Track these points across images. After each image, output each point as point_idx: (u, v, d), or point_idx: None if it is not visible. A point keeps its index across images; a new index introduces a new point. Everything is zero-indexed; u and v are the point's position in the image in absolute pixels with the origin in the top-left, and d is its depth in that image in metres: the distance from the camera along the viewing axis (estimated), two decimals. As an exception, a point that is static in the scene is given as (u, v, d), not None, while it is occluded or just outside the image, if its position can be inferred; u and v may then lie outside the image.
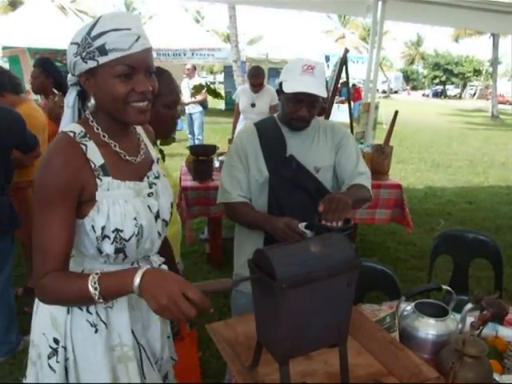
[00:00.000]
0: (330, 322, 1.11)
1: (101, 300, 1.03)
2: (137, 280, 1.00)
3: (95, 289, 1.02)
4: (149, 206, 1.22)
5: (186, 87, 8.59)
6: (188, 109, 8.71)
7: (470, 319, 1.49)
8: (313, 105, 1.77)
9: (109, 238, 1.13)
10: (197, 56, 12.33)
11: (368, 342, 1.40)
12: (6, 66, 8.82)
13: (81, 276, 1.09)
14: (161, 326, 1.33)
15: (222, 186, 1.91)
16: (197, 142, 8.26)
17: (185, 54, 12.18)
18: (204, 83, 6.94)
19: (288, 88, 1.75)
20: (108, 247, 1.14)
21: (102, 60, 1.05)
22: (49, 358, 1.21)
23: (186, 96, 8.59)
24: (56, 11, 12.04)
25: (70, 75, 1.17)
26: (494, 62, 24.18)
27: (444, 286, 1.61)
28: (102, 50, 1.04)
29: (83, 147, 1.11)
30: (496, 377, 1.33)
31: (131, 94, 1.08)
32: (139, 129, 1.34)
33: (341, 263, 1.06)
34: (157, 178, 1.29)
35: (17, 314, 2.82)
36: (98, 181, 1.12)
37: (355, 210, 3.65)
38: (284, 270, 1.00)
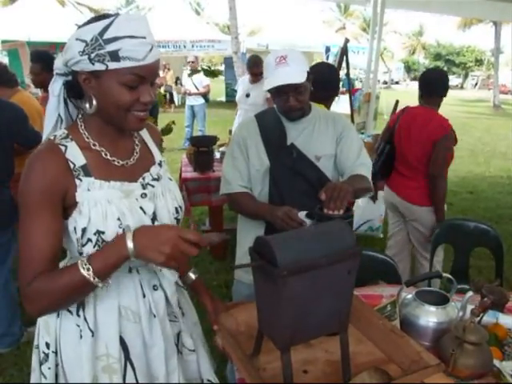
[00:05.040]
0: (330, 309, 1.11)
1: (97, 280, 1.00)
2: (130, 244, 0.99)
3: (88, 269, 0.99)
4: (141, 208, 1.15)
5: (189, 79, 8.57)
6: (190, 101, 8.67)
7: (470, 307, 1.50)
8: (298, 91, 1.76)
9: (91, 240, 1.07)
10: (197, 48, 12.27)
11: (369, 329, 1.40)
12: (6, 59, 8.85)
13: (68, 266, 1.06)
14: (165, 349, 1.22)
15: (224, 177, 1.93)
16: (199, 134, 8.24)
17: (185, 46, 12.13)
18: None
19: (268, 85, 1.77)
20: (91, 251, 1.07)
21: (112, 66, 1.01)
22: (41, 363, 1.19)
23: (189, 88, 8.57)
24: (55, 4, 11.98)
25: (57, 62, 1.10)
26: (496, 51, 23.98)
27: (445, 274, 1.61)
28: (115, 56, 1.00)
29: (62, 148, 1.08)
30: (496, 363, 1.34)
31: (135, 104, 1.06)
32: (143, 130, 1.29)
33: (341, 250, 1.06)
34: (155, 179, 1.22)
35: (20, 305, 2.83)
36: (77, 181, 1.08)
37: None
38: (285, 258, 0.99)
